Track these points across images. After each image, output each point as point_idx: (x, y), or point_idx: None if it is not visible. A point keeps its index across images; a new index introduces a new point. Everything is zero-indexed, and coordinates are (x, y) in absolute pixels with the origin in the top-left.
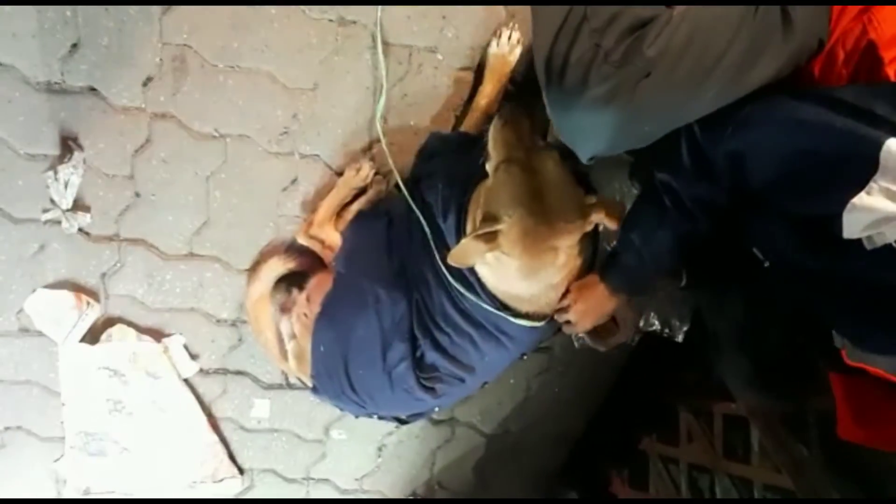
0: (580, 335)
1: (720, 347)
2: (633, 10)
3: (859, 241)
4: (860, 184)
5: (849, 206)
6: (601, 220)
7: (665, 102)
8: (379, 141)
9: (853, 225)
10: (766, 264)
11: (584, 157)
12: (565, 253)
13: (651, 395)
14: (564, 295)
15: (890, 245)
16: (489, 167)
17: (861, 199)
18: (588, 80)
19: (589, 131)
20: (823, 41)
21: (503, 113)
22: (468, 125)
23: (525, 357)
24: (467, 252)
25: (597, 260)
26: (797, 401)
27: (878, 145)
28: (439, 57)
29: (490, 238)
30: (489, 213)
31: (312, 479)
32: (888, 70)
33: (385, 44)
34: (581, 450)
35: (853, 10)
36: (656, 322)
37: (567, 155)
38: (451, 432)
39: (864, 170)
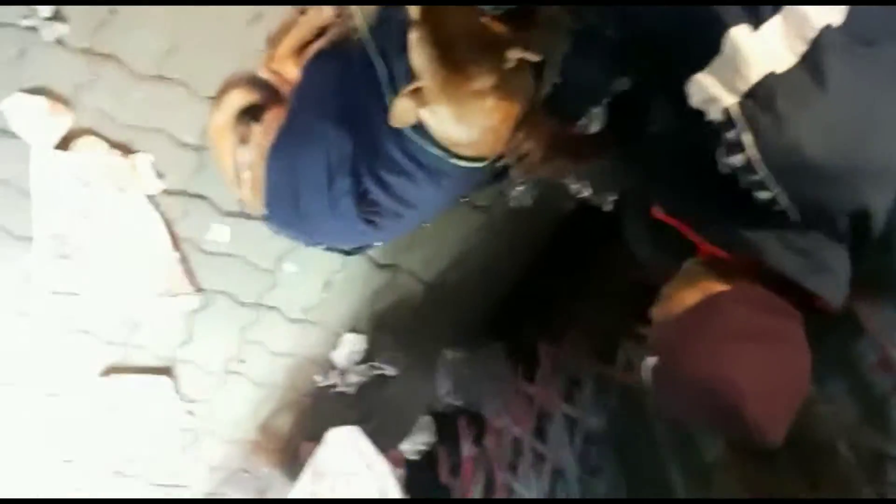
0: (515, 191)
1: (625, 208)
2: None
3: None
4: (703, 62)
5: (692, 79)
6: (519, 55)
7: None
8: None
9: (691, 97)
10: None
11: None
12: (492, 95)
13: (576, 266)
14: (519, 137)
15: (710, 121)
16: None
17: (701, 75)
18: None
19: None
20: None
21: None
22: None
23: (465, 199)
24: (401, 111)
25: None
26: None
27: (725, 30)
28: None
29: (416, 95)
30: (413, 72)
31: (263, 305)
32: None
33: None
34: (511, 304)
35: None
36: (587, 190)
37: None
38: (392, 277)
39: (708, 50)
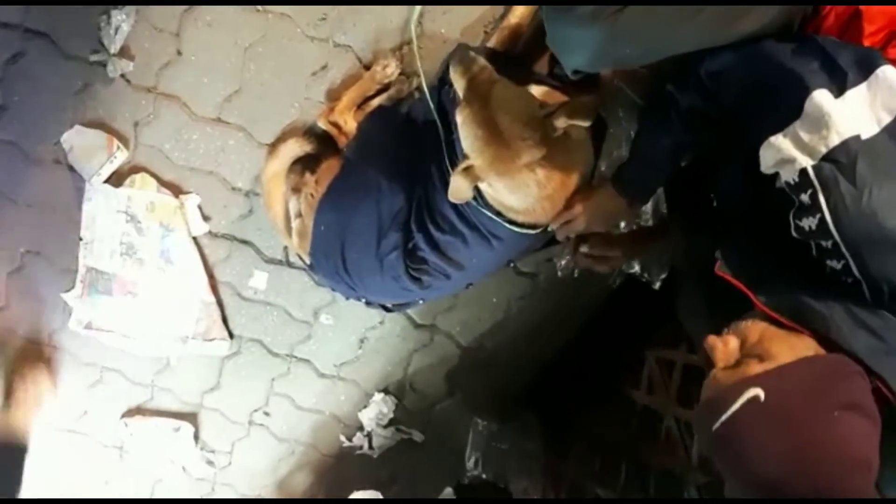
0: (565, 260)
1: (681, 283)
2: None
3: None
4: (783, 125)
5: (766, 142)
6: (566, 123)
7: (645, 32)
8: (410, 43)
9: (765, 160)
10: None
11: (568, 69)
12: (542, 166)
13: (622, 340)
14: (571, 202)
15: (783, 184)
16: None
17: (777, 138)
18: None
19: (574, 45)
20: (818, 6)
21: (451, 56)
22: (496, 42)
23: (512, 265)
24: (456, 188)
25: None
26: None
27: (808, 93)
28: None
29: (468, 172)
30: (465, 152)
31: (295, 357)
32: (865, 41)
33: None
34: (547, 376)
35: None
36: (637, 266)
37: None
38: (429, 338)
39: (790, 113)
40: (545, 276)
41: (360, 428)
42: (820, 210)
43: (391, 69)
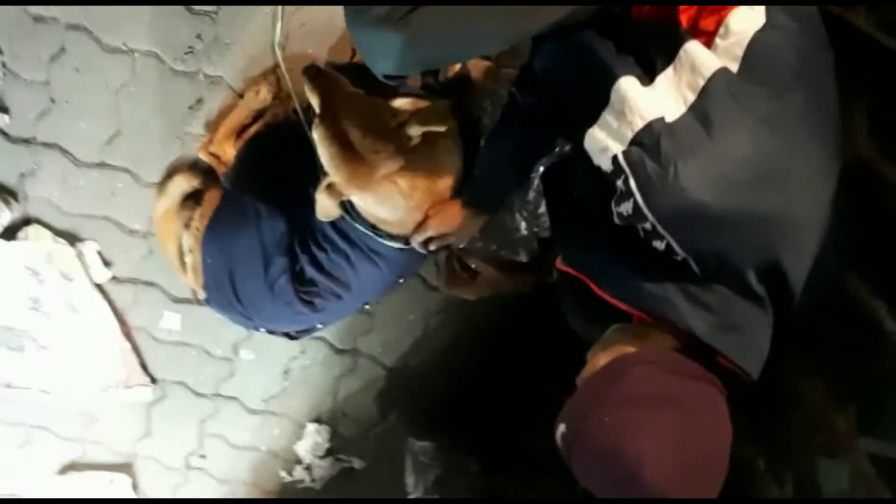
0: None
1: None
2: None
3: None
4: (595, 115)
5: (586, 134)
6: (420, 131)
7: (440, 32)
8: (279, 66)
9: (591, 153)
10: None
11: (378, 75)
12: (403, 176)
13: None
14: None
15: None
16: None
17: (593, 129)
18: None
19: (375, 50)
20: None
21: (304, 72)
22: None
23: (402, 281)
24: (323, 206)
25: None
26: None
27: (613, 81)
28: None
29: (331, 190)
30: (323, 169)
31: (221, 395)
32: (682, 16)
33: None
34: (477, 390)
35: None
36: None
37: None
38: (353, 362)
39: (600, 103)
40: None
41: (299, 461)
42: (632, 194)
43: (263, 94)
